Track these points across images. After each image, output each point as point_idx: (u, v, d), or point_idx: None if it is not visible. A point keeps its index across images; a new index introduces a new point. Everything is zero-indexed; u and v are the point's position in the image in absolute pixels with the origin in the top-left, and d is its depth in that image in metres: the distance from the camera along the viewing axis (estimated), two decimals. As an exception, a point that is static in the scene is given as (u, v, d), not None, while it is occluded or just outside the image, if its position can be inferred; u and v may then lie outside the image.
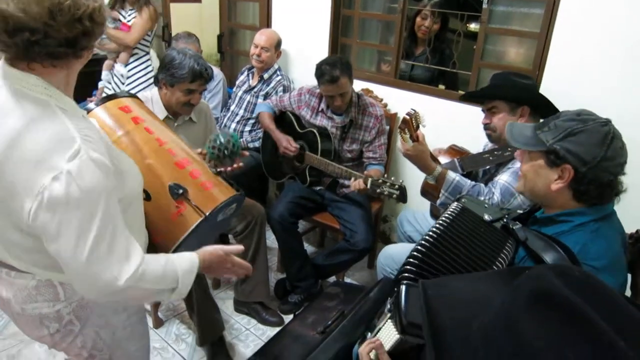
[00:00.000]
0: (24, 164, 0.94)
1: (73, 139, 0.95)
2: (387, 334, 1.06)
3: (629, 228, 1.41)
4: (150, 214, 1.32)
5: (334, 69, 2.32)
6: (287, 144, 2.57)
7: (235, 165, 2.02)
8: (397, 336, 0.99)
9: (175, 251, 1.34)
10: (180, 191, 1.35)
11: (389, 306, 1.09)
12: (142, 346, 1.39)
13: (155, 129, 1.48)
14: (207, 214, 1.36)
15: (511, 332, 0.50)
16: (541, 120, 1.38)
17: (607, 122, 1.20)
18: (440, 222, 1.21)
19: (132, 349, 1.34)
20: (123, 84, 3.22)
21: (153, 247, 1.36)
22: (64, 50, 0.96)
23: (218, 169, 1.94)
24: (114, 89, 3.26)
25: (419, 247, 1.11)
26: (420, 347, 0.98)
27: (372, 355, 1.09)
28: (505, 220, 1.25)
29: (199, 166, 1.50)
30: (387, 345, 1.04)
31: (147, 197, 1.33)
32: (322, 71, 2.35)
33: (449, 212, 1.25)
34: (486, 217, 1.26)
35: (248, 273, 1.33)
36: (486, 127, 1.92)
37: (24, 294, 1.14)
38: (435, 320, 0.57)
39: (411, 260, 1.09)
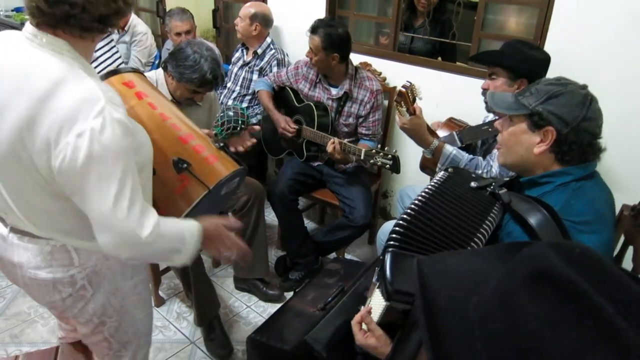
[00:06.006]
0: (52, 123, 0.98)
1: (98, 99, 0.99)
2: (376, 302, 1.08)
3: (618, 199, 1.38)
4: (155, 188, 1.33)
5: (322, 26, 2.35)
6: (286, 124, 2.55)
7: (248, 143, 1.98)
8: (385, 303, 1.01)
9: None
10: (184, 165, 1.35)
11: (376, 276, 1.09)
12: (147, 315, 1.44)
13: (159, 104, 1.48)
14: (212, 187, 1.37)
15: (507, 312, 0.49)
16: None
17: (585, 86, 1.23)
18: (426, 190, 1.22)
19: (139, 317, 1.39)
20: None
21: None
22: (95, 26, 1.03)
23: (227, 147, 1.92)
24: None
25: (405, 216, 1.11)
26: (406, 313, 0.99)
27: (363, 326, 1.10)
28: (492, 187, 1.27)
29: (203, 141, 1.49)
30: (377, 314, 1.07)
31: (152, 171, 1.33)
32: (315, 21, 2.40)
33: (435, 181, 1.27)
34: (472, 184, 1.29)
35: (244, 257, 1.32)
36: (483, 92, 1.89)
37: (38, 259, 1.17)
38: (431, 300, 0.55)
39: (397, 228, 1.10)
